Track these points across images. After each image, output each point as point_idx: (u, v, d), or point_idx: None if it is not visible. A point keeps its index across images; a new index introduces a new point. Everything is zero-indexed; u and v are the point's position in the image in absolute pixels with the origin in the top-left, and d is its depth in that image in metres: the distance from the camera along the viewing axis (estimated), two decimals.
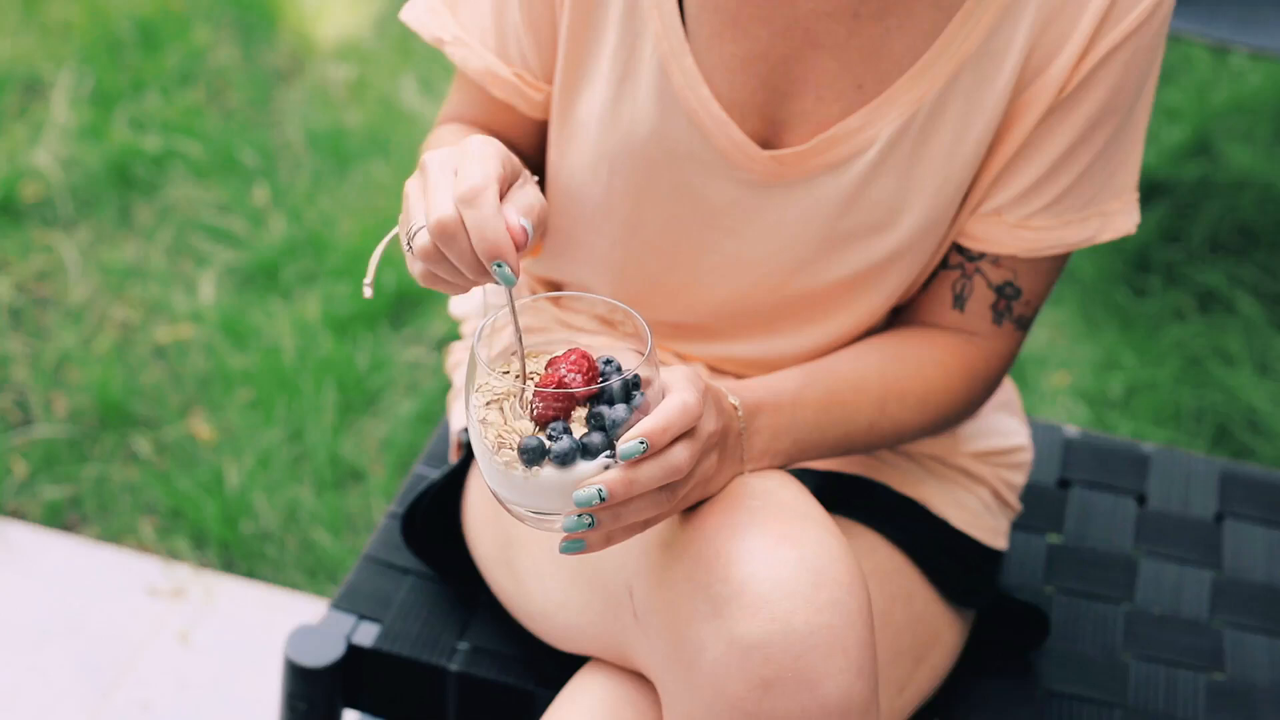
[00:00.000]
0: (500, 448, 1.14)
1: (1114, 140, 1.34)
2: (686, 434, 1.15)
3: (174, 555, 2.35)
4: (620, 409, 1.13)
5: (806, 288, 1.40)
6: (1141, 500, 1.79)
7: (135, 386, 2.60)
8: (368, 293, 1.21)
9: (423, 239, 1.16)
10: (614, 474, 1.12)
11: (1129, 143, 1.36)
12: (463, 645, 1.52)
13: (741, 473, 1.26)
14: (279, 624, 2.23)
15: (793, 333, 1.43)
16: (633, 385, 1.14)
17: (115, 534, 2.38)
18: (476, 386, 1.16)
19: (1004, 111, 1.32)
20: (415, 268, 1.19)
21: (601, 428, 1.12)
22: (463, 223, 1.12)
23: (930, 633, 1.45)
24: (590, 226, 1.41)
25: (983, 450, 1.52)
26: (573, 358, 1.13)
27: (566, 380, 1.12)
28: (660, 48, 1.32)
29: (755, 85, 1.34)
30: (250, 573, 2.34)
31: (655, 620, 1.22)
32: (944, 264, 1.41)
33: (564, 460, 1.12)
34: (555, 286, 1.52)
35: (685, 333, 1.46)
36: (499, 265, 1.12)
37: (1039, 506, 1.77)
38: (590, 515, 1.13)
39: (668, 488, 1.15)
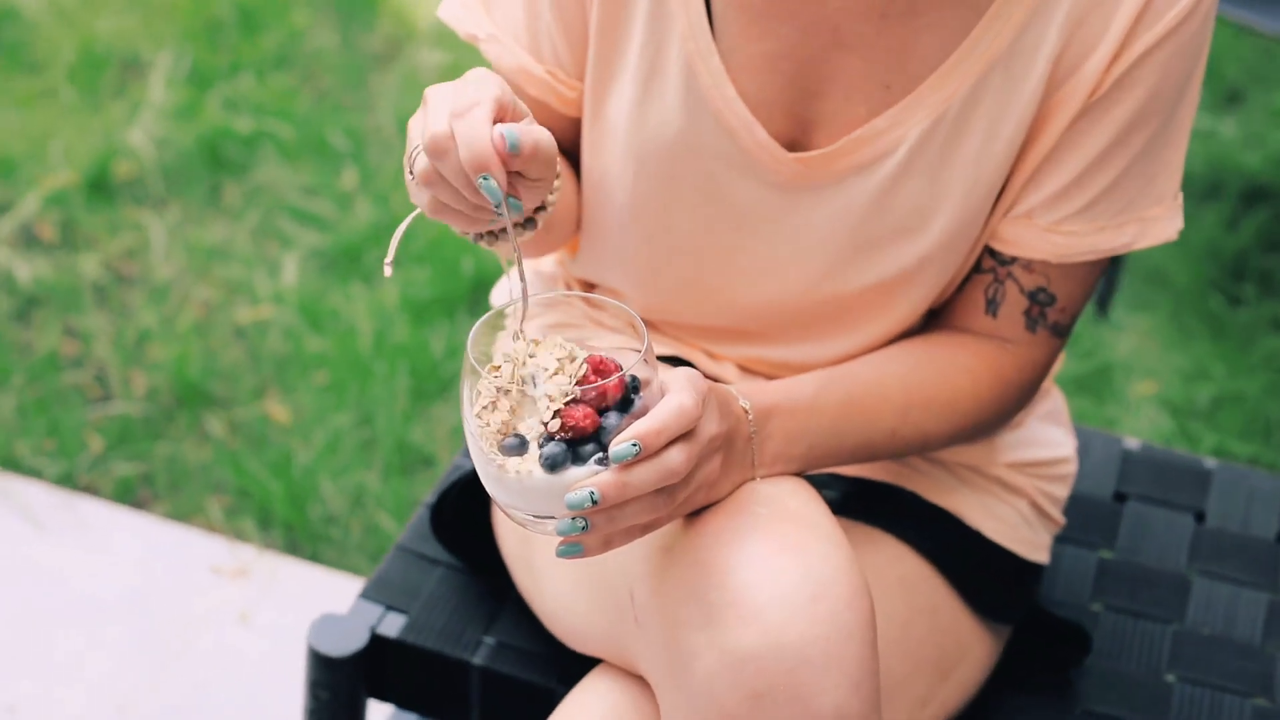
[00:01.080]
0: (493, 452, 1.12)
1: (1153, 144, 1.30)
2: (684, 436, 1.13)
3: (240, 535, 2.37)
4: (613, 413, 1.11)
5: (837, 292, 1.37)
6: (1200, 517, 1.74)
7: (213, 366, 2.62)
8: (388, 271, 1.20)
9: (422, 161, 1.14)
10: (606, 477, 1.10)
11: (1170, 147, 1.31)
12: (488, 640, 1.51)
13: (753, 478, 1.23)
14: (339, 608, 2.23)
15: (826, 337, 1.40)
16: (630, 389, 1.12)
17: (184, 512, 2.40)
18: (470, 386, 1.14)
19: (1035, 113, 1.28)
20: (421, 197, 1.17)
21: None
22: (454, 136, 1.11)
23: (958, 647, 1.42)
24: (620, 227, 1.39)
25: (1021, 460, 1.48)
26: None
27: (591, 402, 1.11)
28: (686, 46, 1.30)
29: (782, 85, 1.31)
30: (314, 556, 2.35)
31: (653, 626, 1.20)
32: (977, 268, 1.38)
33: (553, 464, 1.10)
34: (590, 287, 1.50)
35: (717, 335, 1.44)
36: (484, 178, 1.10)
37: (1092, 520, 1.72)
38: (584, 519, 1.11)
39: (665, 491, 1.13)
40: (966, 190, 1.31)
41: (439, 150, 1.11)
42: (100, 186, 2.96)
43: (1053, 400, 1.56)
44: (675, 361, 1.45)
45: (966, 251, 1.35)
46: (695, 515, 1.20)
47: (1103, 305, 2.84)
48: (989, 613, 1.44)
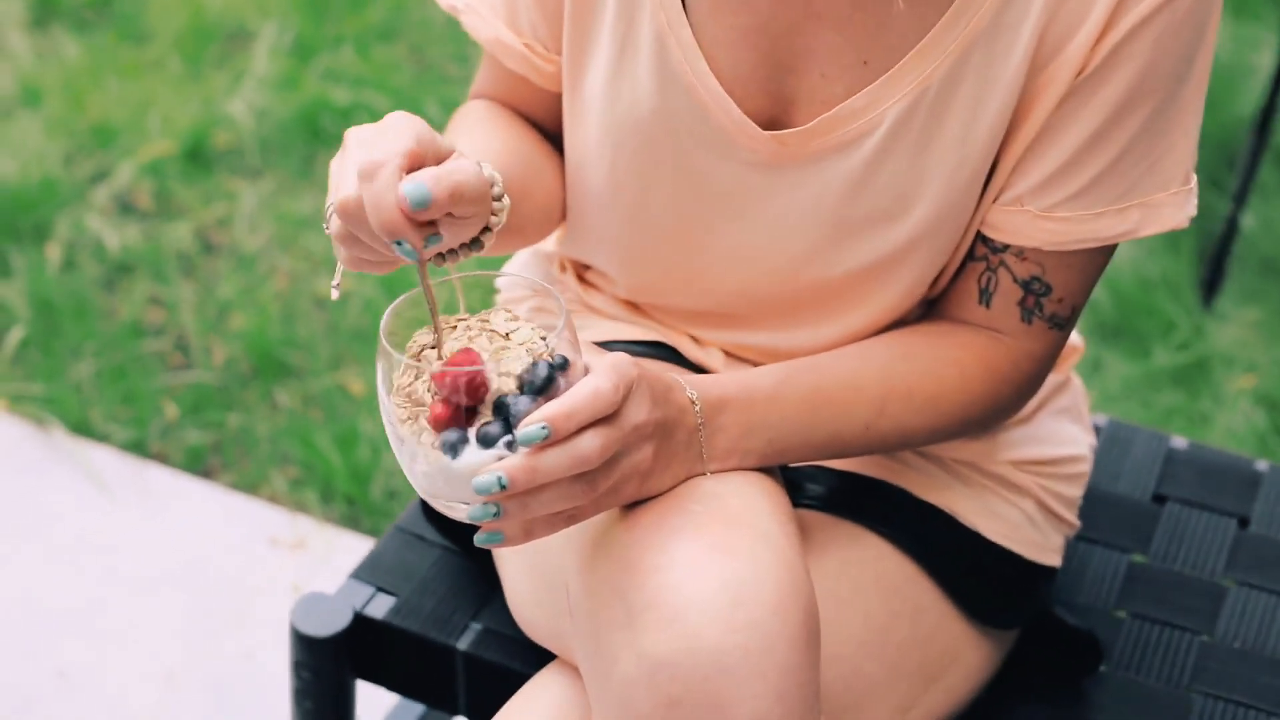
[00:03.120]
0: (403, 440, 1.09)
1: (1153, 125, 1.22)
2: (602, 421, 1.08)
3: (301, 508, 2.37)
4: (524, 397, 1.06)
5: (820, 277, 1.31)
6: (1244, 523, 1.64)
7: (291, 337, 2.63)
8: (335, 294, 1.17)
9: (335, 222, 1.11)
10: (514, 461, 1.06)
11: (1175, 129, 1.23)
12: (475, 626, 1.48)
13: (703, 472, 1.18)
14: None
15: (811, 324, 1.34)
16: (549, 371, 1.07)
17: (249, 483, 2.41)
18: (384, 377, 1.11)
19: (1021, 93, 1.21)
20: (339, 251, 1.14)
21: (505, 415, 1.06)
22: (362, 202, 1.07)
23: (945, 652, 1.35)
24: (600, 207, 1.35)
25: (1026, 458, 1.41)
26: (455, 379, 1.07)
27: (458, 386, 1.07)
28: (657, 19, 1.25)
29: (757, 60, 1.25)
30: (373, 531, 2.34)
31: (581, 623, 1.16)
32: (970, 255, 1.31)
33: (450, 448, 1.06)
34: (583, 268, 1.46)
35: (702, 320, 1.39)
36: (398, 243, 1.06)
37: (1126, 522, 1.64)
38: (496, 505, 1.07)
39: (584, 479, 1.09)
40: (950, 173, 1.24)
41: (350, 215, 1.07)
42: (197, 156, 2.98)
43: (1070, 394, 1.48)
44: (660, 348, 1.40)
45: (956, 237, 1.28)
46: (630, 509, 1.16)
47: (1208, 295, 2.72)
48: (984, 617, 1.38)
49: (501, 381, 1.07)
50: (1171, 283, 2.72)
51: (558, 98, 1.37)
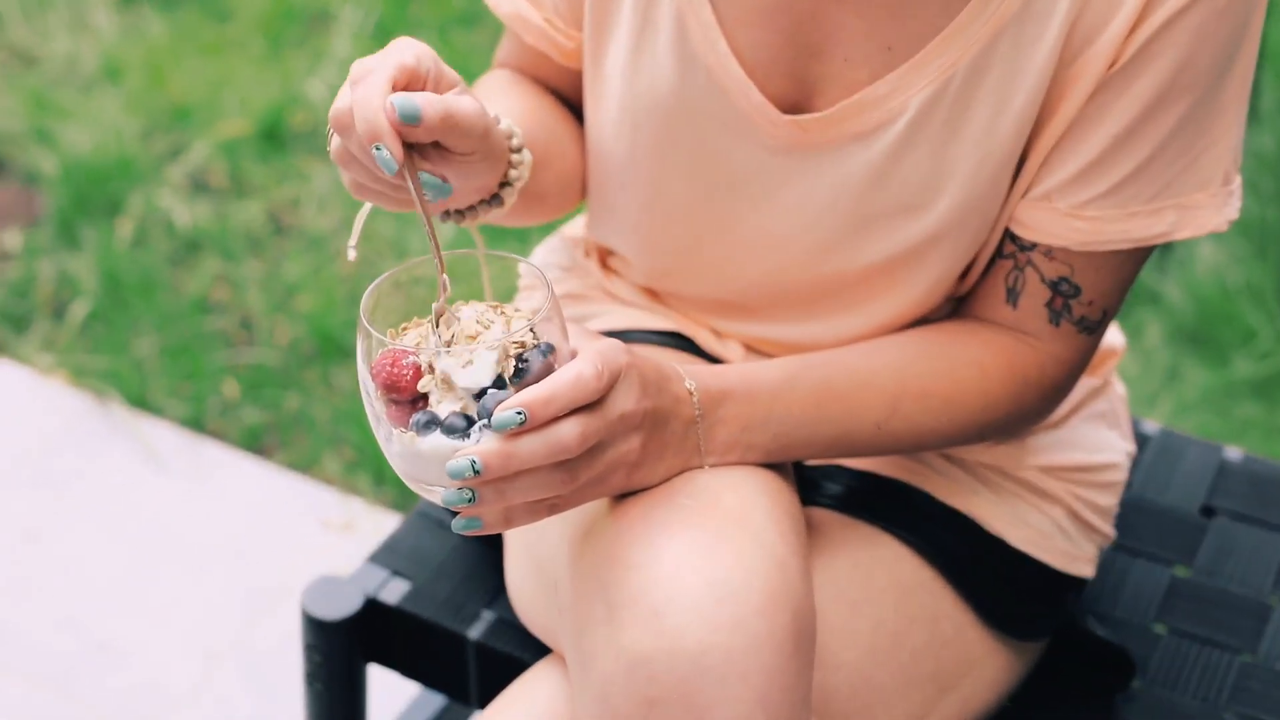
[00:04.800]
0: (379, 419, 1.06)
1: (1190, 122, 1.16)
2: (584, 409, 1.05)
3: (353, 490, 2.36)
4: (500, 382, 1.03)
5: (840, 270, 1.27)
6: None
7: (354, 319, 2.62)
8: (351, 255, 1.15)
9: (334, 140, 1.09)
10: (489, 445, 1.02)
11: (1215, 127, 1.18)
12: (488, 614, 1.45)
13: (701, 465, 1.15)
14: None
15: (830, 317, 1.30)
16: (526, 355, 1.04)
17: (303, 463, 2.40)
18: (363, 355, 1.08)
19: (1050, 85, 1.16)
20: (344, 177, 1.12)
21: (479, 399, 1.03)
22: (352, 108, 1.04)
23: (962, 660, 1.31)
24: (619, 189, 1.31)
25: (1057, 464, 1.36)
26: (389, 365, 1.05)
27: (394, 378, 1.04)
28: None
29: (780, 43, 1.21)
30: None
31: (566, 616, 1.13)
32: (999, 253, 1.26)
33: (424, 428, 1.03)
34: (607, 253, 1.43)
35: (722, 310, 1.35)
36: (377, 148, 1.03)
37: (1172, 534, 1.58)
38: (471, 490, 1.04)
39: (564, 468, 1.05)
40: (974, 165, 1.19)
41: (340, 125, 1.06)
42: (273, 136, 2.98)
43: (1108, 399, 1.43)
44: (678, 339, 1.37)
45: (982, 233, 1.24)
46: (620, 500, 1.12)
47: None
48: (1005, 627, 1.33)
49: (431, 380, 1.04)
50: (1255, 290, 2.64)
51: (579, 75, 1.34)
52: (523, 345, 1.05)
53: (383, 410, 1.06)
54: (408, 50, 1.06)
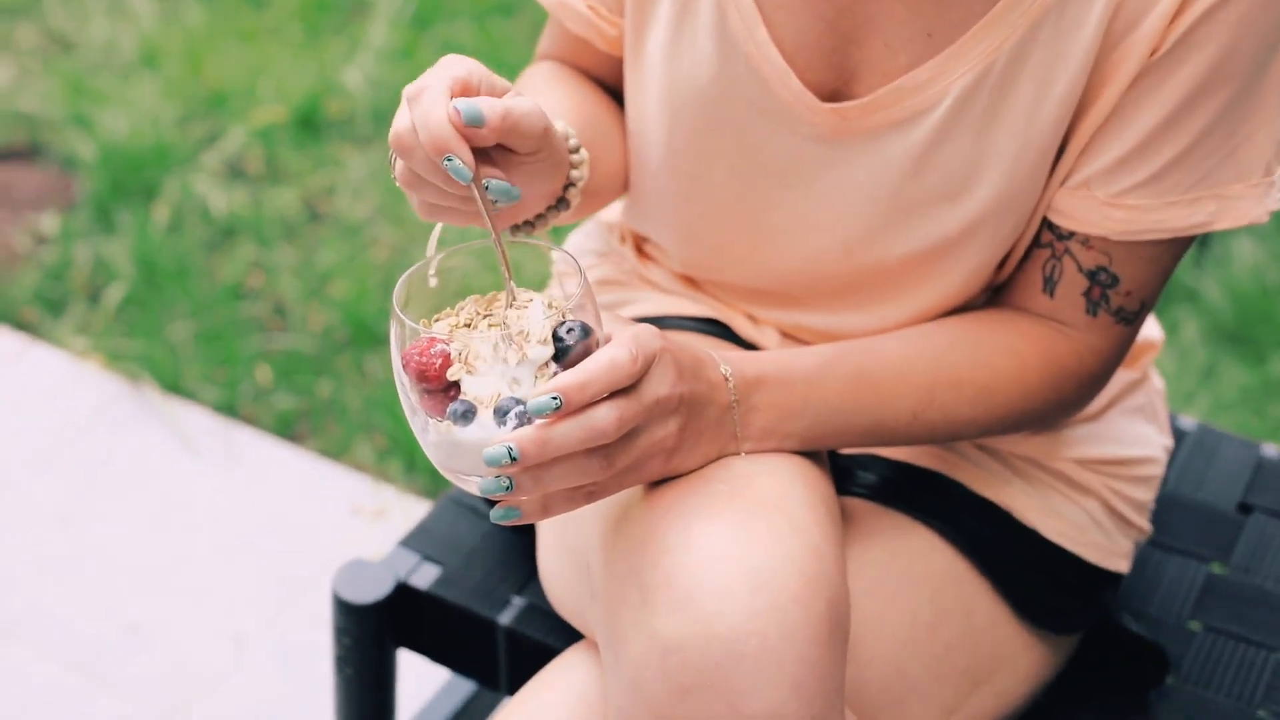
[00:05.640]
0: (415, 410, 1.06)
1: (1232, 112, 1.15)
2: (620, 394, 1.04)
3: (385, 477, 2.36)
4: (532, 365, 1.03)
5: (878, 258, 1.26)
6: None
7: (387, 307, 2.62)
8: (432, 283, 1.14)
9: (398, 165, 1.09)
10: (526, 432, 1.02)
11: (1256, 117, 1.16)
12: (519, 600, 1.45)
13: (738, 452, 1.14)
14: None
15: (869, 306, 1.29)
16: (565, 339, 1.03)
17: (336, 450, 2.40)
18: (397, 345, 1.08)
19: (1090, 71, 1.15)
20: (413, 201, 1.12)
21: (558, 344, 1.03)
22: (414, 125, 1.04)
23: (995, 654, 1.30)
24: (657, 178, 1.31)
25: (1093, 457, 1.35)
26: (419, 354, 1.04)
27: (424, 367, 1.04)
28: None
29: (821, 29, 1.20)
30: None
31: (600, 601, 1.12)
32: (1036, 242, 1.25)
33: (462, 418, 1.03)
34: (641, 239, 1.42)
35: (759, 298, 1.34)
36: (448, 160, 1.03)
37: (1208, 531, 1.56)
38: (508, 478, 1.04)
39: (601, 453, 1.05)
40: (1015, 154, 1.18)
41: (402, 146, 1.06)
42: (310, 123, 2.99)
43: (1145, 392, 1.41)
44: (714, 325, 1.36)
45: (1021, 221, 1.23)
46: (655, 486, 1.11)
47: None
48: (1039, 620, 1.32)
49: (461, 369, 1.03)
50: None
51: (621, 63, 1.33)
52: (562, 315, 1.05)
53: (418, 400, 1.06)
54: (458, 65, 1.06)
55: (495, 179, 1.08)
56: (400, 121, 1.06)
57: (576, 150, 1.19)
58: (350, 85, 3.04)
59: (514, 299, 1.07)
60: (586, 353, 1.04)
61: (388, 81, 3.05)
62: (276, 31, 3.20)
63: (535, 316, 1.05)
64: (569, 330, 1.04)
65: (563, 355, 1.04)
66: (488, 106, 1.04)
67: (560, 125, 1.18)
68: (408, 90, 1.06)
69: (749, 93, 1.23)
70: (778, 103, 1.22)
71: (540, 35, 1.40)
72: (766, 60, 1.21)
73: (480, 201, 1.06)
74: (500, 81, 1.09)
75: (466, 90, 1.06)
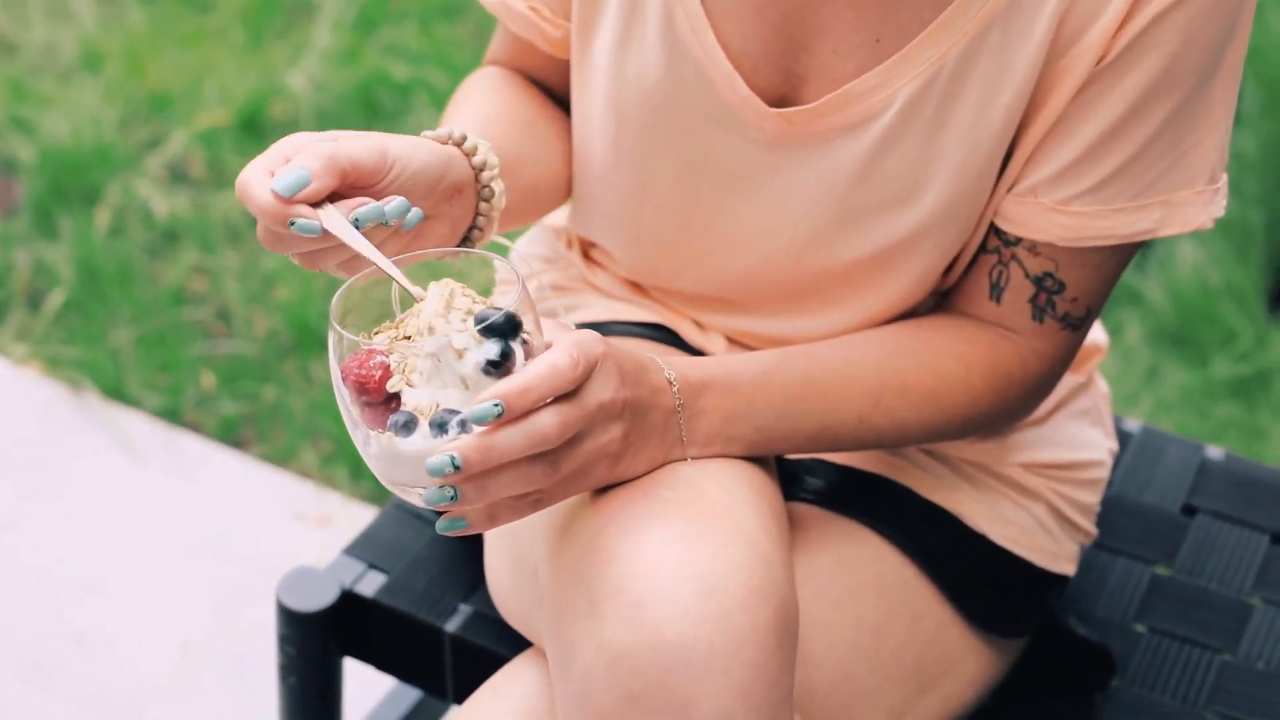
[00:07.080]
0: (356, 424, 1.05)
1: (1178, 119, 1.16)
2: (562, 399, 1.04)
3: (330, 484, 2.34)
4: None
5: (825, 264, 1.26)
6: (1277, 539, 1.58)
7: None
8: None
9: (260, 229, 1.10)
10: (468, 440, 1.01)
11: (1202, 124, 1.17)
12: (465, 608, 1.44)
13: (683, 457, 1.14)
14: None
15: (816, 311, 1.30)
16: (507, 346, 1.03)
17: (280, 456, 2.39)
18: (336, 359, 1.07)
19: (1038, 79, 1.16)
20: (294, 259, 1.13)
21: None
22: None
23: (943, 658, 1.30)
24: (603, 182, 1.30)
25: (1039, 461, 1.35)
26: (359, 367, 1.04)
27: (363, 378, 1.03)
28: None
29: (769, 34, 1.20)
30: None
31: (546, 610, 1.12)
32: (983, 248, 1.25)
33: (404, 429, 1.02)
34: (588, 245, 1.42)
35: (705, 304, 1.34)
36: (292, 223, 1.04)
37: (1153, 533, 1.57)
38: (453, 488, 1.03)
39: (545, 460, 1.04)
40: (961, 160, 1.19)
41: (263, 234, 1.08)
42: (253, 126, 2.97)
43: (1091, 396, 1.42)
44: (661, 331, 1.36)
45: (968, 227, 1.23)
46: (601, 493, 1.11)
47: (1274, 304, 2.64)
48: (987, 624, 1.32)
49: (400, 380, 1.03)
50: (1236, 290, 2.64)
51: (563, 64, 1.33)
52: (473, 298, 1.04)
53: (359, 414, 1.05)
54: (278, 146, 1.08)
55: (378, 201, 1.07)
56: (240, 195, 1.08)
57: (475, 152, 1.18)
58: (294, 88, 3.02)
59: (417, 312, 1.06)
60: (515, 331, 1.03)
61: (332, 85, 3.04)
62: (219, 34, 3.18)
63: (432, 306, 1.04)
64: (493, 326, 1.02)
65: (502, 363, 1.02)
66: (309, 161, 1.05)
67: (480, 157, 1.18)
68: (236, 190, 1.07)
69: (696, 97, 1.23)
70: (725, 108, 1.22)
71: (483, 40, 1.40)
72: (714, 64, 1.21)
73: (346, 237, 1.06)
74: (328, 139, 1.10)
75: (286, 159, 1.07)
